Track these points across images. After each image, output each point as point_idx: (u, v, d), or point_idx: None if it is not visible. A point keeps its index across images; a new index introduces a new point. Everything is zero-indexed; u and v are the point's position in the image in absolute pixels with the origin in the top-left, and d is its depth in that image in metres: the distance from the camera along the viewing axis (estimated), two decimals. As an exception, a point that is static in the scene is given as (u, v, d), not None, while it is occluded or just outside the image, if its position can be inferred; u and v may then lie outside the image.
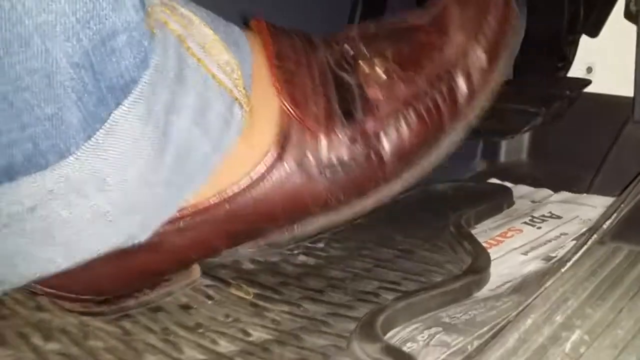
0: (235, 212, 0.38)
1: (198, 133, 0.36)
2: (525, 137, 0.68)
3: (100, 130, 0.32)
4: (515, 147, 0.69)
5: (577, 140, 0.65)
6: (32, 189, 0.32)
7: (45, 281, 0.38)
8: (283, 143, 0.38)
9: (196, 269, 0.44)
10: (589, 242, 0.40)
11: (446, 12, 0.43)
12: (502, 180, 0.65)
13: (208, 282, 0.45)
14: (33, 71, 0.30)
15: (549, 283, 0.36)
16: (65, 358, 0.34)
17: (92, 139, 0.32)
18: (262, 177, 0.38)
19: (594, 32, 0.66)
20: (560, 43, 0.64)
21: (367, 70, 0.41)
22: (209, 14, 0.38)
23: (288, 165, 0.39)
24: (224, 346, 0.37)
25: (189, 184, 0.37)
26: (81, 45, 0.31)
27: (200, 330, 0.39)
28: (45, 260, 0.35)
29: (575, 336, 0.32)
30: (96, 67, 0.31)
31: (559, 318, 0.33)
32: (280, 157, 0.38)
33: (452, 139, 0.43)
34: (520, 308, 0.35)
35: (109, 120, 0.32)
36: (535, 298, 0.35)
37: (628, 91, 0.60)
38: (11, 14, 0.29)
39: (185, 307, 0.41)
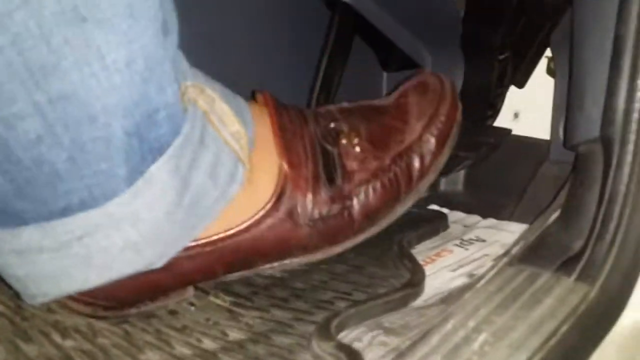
0: (237, 246, 0.45)
1: (210, 184, 0.43)
2: (462, 170, 0.74)
3: (140, 180, 0.39)
4: (453, 179, 0.75)
5: (505, 174, 0.70)
6: (83, 221, 0.39)
7: None
8: (279, 196, 0.46)
9: (190, 290, 0.49)
10: (500, 264, 0.46)
11: (407, 101, 0.53)
12: (441, 206, 0.70)
13: (191, 291, 0.49)
14: (96, 139, 0.37)
15: (466, 296, 0.42)
16: (82, 353, 0.40)
17: (133, 186, 0.39)
18: (260, 221, 0.45)
19: (521, 84, 0.73)
20: (490, 95, 0.71)
21: (346, 144, 0.49)
22: (223, 89, 0.45)
23: (281, 214, 0.46)
24: (207, 344, 0.43)
25: (200, 223, 0.43)
26: (133, 119, 0.37)
27: (187, 331, 0.44)
28: (83, 279, 0.41)
29: (482, 337, 0.37)
30: (142, 134, 0.38)
31: (471, 323, 0.39)
32: (276, 207, 0.46)
33: (404, 206, 0.52)
34: (443, 315, 0.40)
35: (146, 173, 0.39)
36: (455, 307, 0.41)
37: (547, 135, 0.66)
38: (85, 99, 0.35)
39: (173, 312, 0.47)
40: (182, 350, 0.42)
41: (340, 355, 0.39)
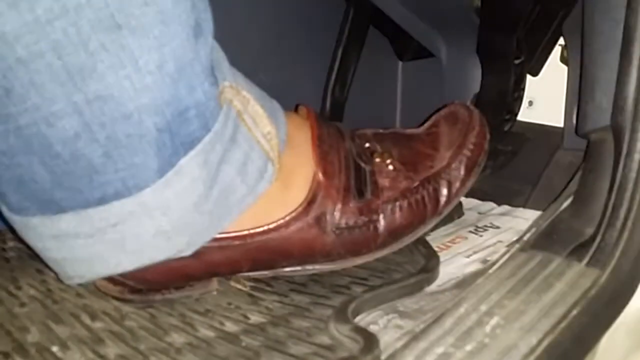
0: (264, 244, 0.47)
1: (239, 179, 0.44)
2: None
3: (170, 172, 0.41)
4: None
5: (519, 162, 0.71)
6: (118, 210, 0.41)
7: None
8: (311, 201, 0.48)
9: (214, 282, 0.50)
10: (512, 250, 0.47)
11: (438, 130, 0.55)
12: None
13: (215, 284, 0.50)
14: (130, 135, 0.39)
15: (479, 280, 0.43)
16: (111, 334, 0.42)
17: (164, 177, 0.41)
18: (290, 222, 0.47)
19: (535, 72, 0.73)
20: (508, 100, 0.71)
21: (378, 161, 0.52)
22: (259, 92, 0.47)
23: (310, 219, 0.48)
24: (229, 327, 0.44)
25: (227, 216, 0.45)
26: (164, 117, 0.39)
27: (210, 315, 0.46)
28: (116, 263, 0.43)
29: (494, 321, 0.39)
30: (173, 130, 0.40)
31: (483, 307, 0.40)
32: (306, 211, 0.47)
33: (426, 228, 0.53)
34: (456, 299, 0.42)
35: (177, 165, 0.41)
36: (468, 292, 0.42)
37: (561, 122, 0.67)
38: (120, 99, 0.37)
39: (196, 297, 0.48)
40: (206, 332, 0.44)
41: (357, 337, 0.40)
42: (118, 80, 0.37)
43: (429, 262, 0.52)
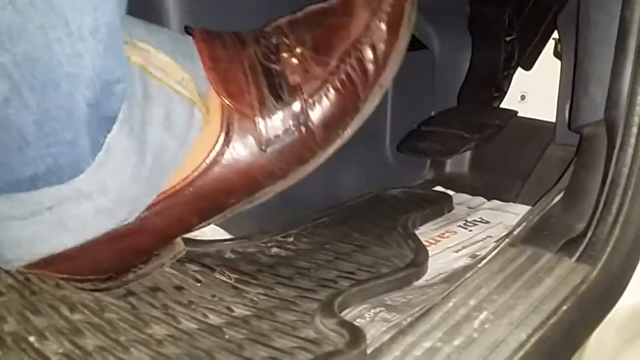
0: (199, 192, 0.44)
1: (167, 136, 0.42)
2: (467, 152, 0.74)
3: (101, 152, 0.39)
4: (459, 161, 0.75)
5: (511, 156, 0.71)
6: (51, 195, 0.39)
7: (57, 269, 0.44)
8: (227, 130, 0.44)
9: (179, 243, 0.48)
10: (502, 244, 0.47)
11: None
12: (446, 188, 0.71)
13: (196, 268, 0.50)
14: (59, 107, 0.37)
15: (468, 275, 0.43)
16: (91, 325, 0.41)
17: (96, 158, 0.39)
18: (215, 161, 0.44)
19: (528, 66, 0.73)
20: (497, 77, 0.71)
21: (287, 56, 0.47)
22: (166, 37, 0.45)
23: (235, 148, 0.44)
24: (213, 319, 0.43)
25: (165, 176, 0.43)
26: (95, 91, 0.37)
27: (193, 307, 0.45)
28: (57, 242, 0.42)
29: (483, 316, 0.38)
30: (101, 105, 0.38)
31: (472, 302, 0.40)
32: (227, 142, 0.44)
33: (370, 103, 0.48)
34: (444, 294, 0.41)
35: (105, 142, 0.39)
36: (457, 286, 0.42)
37: (553, 117, 0.67)
38: (50, 64, 0.35)
39: (179, 288, 0.47)
40: (188, 324, 0.43)
41: (343, 331, 0.39)
42: (48, 43, 0.35)
43: (418, 257, 0.52)
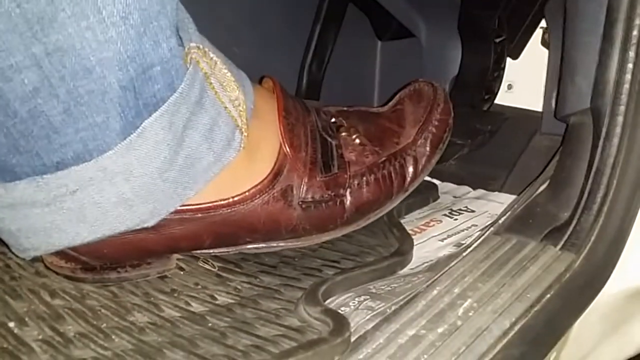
0: (228, 217, 0.46)
1: (206, 146, 0.43)
2: None
3: (134, 134, 0.39)
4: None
5: (497, 145, 0.70)
6: (77, 175, 0.39)
7: None
8: (276, 173, 0.47)
9: (173, 260, 0.49)
10: (487, 233, 0.47)
11: (402, 108, 0.55)
12: (431, 177, 0.69)
13: (179, 256, 0.50)
14: (91, 91, 0.37)
15: (452, 263, 0.43)
16: (71, 311, 0.41)
17: (127, 139, 0.39)
18: (255, 195, 0.46)
19: (515, 55, 0.72)
20: (487, 79, 0.71)
21: (345, 135, 0.51)
22: (226, 59, 0.45)
23: (276, 192, 0.47)
24: (196, 307, 0.43)
25: (193, 184, 0.43)
26: (128, 74, 0.38)
27: (175, 295, 0.45)
28: (74, 234, 0.42)
29: (467, 304, 0.39)
30: (137, 89, 0.38)
31: (456, 290, 0.40)
32: (272, 184, 0.46)
33: (393, 204, 0.54)
34: (429, 282, 0.41)
35: (140, 127, 0.39)
36: (441, 274, 0.42)
37: (540, 106, 0.67)
38: (81, 52, 0.36)
39: (161, 276, 0.47)
40: (171, 312, 0.42)
41: (327, 319, 0.39)
42: (80, 31, 0.35)
43: (403, 245, 0.51)
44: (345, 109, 0.55)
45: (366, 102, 0.84)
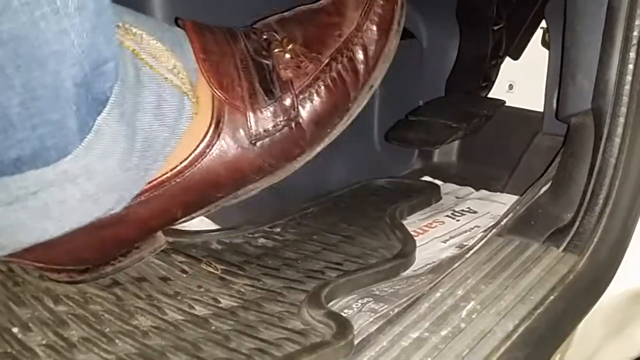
0: (186, 184, 0.44)
1: (157, 123, 0.41)
2: (455, 142, 0.74)
3: (90, 134, 0.38)
4: (447, 151, 0.75)
5: (498, 146, 0.71)
6: (36, 179, 0.38)
7: (35, 257, 0.43)
8: (218, 122, 0.44)
9: (160, 236, 0.47)
10: (490, 234, 0.47)
11: None
12: (434, 178, 0.70)
13: (182, 259, 0.50)
14: (46, 86, 0.36)
15: (455, 265, 0.43)
16: (75, 317, 0.41)
17: (84, 142, 0.38)
18: (203, 153, 0.44)
19: (516, 56, 0.72)
20: (485, 66, 0.71)
21: (278, 52, 0.47)
22: (154, 25, 0.44)
23: (224, 140, 0.44)
24: (199, 310, 0.43)
25: (154, 164, 0.42)
26: (82, 70, 0.36)
27: (179, 298, 0.44)
28: (41, 230, 0.41)
29: (470, 306, 0.38)
30: (90, 85, 0.37)
31: (459, 292, 0.40)
32: (217, 134, 0.44)
33: (359, 102, 0.49)
34: (432, 284, 0.41)
35: (95, 125, 0.38)
36: (444, 276, 0.42)
37: (541, 106, 0.66)
38: (35, 42, 0.34)
39: (165, 279, 0.47)
40: (174, 315, 0.42)
41: (330, 322, 0.39)
42: (33, 20, 0.34)
43: (405, 247, 0.52)
44: (285, 15, 0.50)
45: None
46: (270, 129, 0.45)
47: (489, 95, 0.74)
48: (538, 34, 0.71)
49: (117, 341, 0.39)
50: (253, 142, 0.45)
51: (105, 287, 0.46)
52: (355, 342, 0.37)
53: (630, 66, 0.43)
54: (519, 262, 0.43)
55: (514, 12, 0.70)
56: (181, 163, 0.43)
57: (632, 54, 0.43)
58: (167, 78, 0.42)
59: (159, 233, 0.48)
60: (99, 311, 0.42)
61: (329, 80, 0.47)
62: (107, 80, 0.38)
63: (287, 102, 0.46)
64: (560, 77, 0.51)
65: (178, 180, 0.44)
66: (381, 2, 0.49)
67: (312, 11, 0.50)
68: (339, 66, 0.47)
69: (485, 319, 0.38)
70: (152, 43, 0.42)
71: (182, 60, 0.43)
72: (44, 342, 0.38)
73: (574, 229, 0.44)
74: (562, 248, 0.44)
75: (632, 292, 0.48)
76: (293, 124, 0.46)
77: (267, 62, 0.46)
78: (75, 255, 0.43)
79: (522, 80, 0.73)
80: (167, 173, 0.43)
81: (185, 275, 0.48)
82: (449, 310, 0.38)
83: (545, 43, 0.69)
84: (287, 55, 0.47)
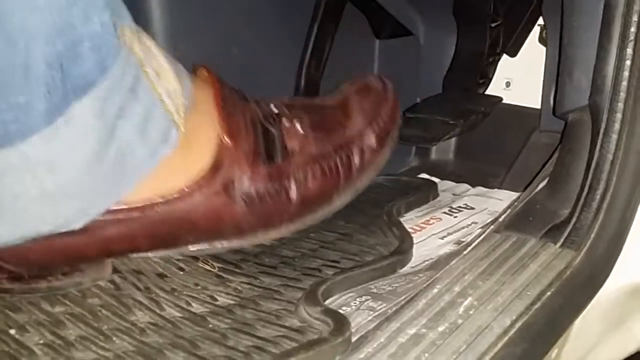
0: (167, 216, 0.43)
1: (139, 139, 0.40)
2: (453, 139, 0.74)
3: (60, 119, 0.36)
4: (444, 148, 0.75)
5: (496, 143, 0.71)
6: None
7: None
8: (217, 166, 0.44)
9: (108, 267, 0.45)
10: (487, 231, 0.47)
11: (349, 100, 0.53)
12: (431, 175, 0.70)
13: (179, 256, 0.49)
14: (15, 65, 0.33)
15: (453, 262, 0.43)
16: (73, 317, 0.40)
17: (52, 125, 0.36)
18: (195, 190, 0.43)
19: (513, 53, 0.72)
20: (482, 63, 0.71)
21: (288, 125, 0.48)
22: (163, 51, 0.43)
23: (217, 186, 0.44)
24: (196, 308, 0.43)
25: (126, 181, 0.41)
26: (55, 49, 0.35)
27: (176, 294, 0.44)
28: None
29: (467, 301, 0.39)
30: (64, 67, 0.35)
31: (457, 288, 0.40)
32: (212, 177, 0.44)
33: (342, 199, 0.51)
34: (429, 281, 0.41)
35: (68, 112, 0.36)
36: (442, 273, 0.42)
37: (538, 103, 0.66)
38: (4, 18, 0.32)
39: (161, 276, 0.46)
40: (172, 312, 0.42)
41: (327, 319, 0.39)
42: None
43: (403, 244, 0.51)
44: (287, 100, 0.52)
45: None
46: (262, 191, 0.46)
47: (486, 92, 0.74)
48: (535, 31, 0.71)
49: (114, 338, 0.39)
50: (242, 198, 0.45)
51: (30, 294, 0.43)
52: (353, 339, 0.37)
53: (628, 62, 0.43)
54: (516, 258, 0.43)
55: (511, 9, 0.70)
56: (171, 194, 0.43)
57: (629, 50, 0.43)
58: (162, 100, 0.41)
59: (108, 262, 0.46)
60: (96, 306, 0.42)
61: (326, 167, 0.49)
62: (83, 61, 0.36)
63: (285, 170, 0.47)
64: (557, 73, 0.51)
65: (160, 210, 0.43)
66: (384, 118, 0.52)
67: (316, 104, 0.53)
68: (337, 158, 0.50)
69: (482, 315, 0.38)
70: (160, 61, 0.41)
71: (181, 87, 0.43)
72: (41, 341, 0.38)
73: (571, 224, 0.44)
74: (559, 244, 0.44)
75: (629, 287, 0.48)
76: (283, 194, 0.47)
77: (273, 130, 0.47)
78: (21, 253, 0.41)
79: (520, 77, 0.73)
80: (152, 199, 0.42)
81: (182, 273, 0.48)
82: (446, 307, 0.38)
83: (542, 40, 0.69)
84: (300, 130, 0.48)
